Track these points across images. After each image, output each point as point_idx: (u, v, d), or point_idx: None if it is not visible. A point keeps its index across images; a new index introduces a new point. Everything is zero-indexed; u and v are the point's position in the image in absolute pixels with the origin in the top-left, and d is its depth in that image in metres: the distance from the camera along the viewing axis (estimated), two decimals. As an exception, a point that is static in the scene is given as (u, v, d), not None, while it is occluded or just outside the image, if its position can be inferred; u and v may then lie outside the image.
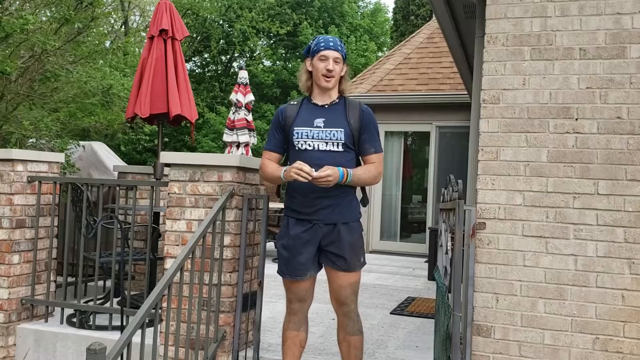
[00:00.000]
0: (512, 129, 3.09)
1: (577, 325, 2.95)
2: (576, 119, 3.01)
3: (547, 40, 3.08)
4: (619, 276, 2.91)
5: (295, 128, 3.12)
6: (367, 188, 3.36)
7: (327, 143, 3.08)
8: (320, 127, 3.10)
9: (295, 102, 3.24)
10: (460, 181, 2.77)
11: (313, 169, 2.94)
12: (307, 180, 2.93)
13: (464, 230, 2.79)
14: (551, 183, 3.02)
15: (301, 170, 2.92)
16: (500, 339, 3.04)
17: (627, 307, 2.90)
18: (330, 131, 3.09)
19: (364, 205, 3.29)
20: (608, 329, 2.92)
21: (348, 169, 3.02)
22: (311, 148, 3.08)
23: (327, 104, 3.16)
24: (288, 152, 3.22)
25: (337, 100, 3.18)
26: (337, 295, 3.13)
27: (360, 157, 3.19)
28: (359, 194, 3.25)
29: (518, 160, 3.07)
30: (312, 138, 3.09)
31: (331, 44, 3.11)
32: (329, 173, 2.92)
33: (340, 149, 3.08)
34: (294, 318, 3.21)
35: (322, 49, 3.10)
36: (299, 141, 3.11)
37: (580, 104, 3.01)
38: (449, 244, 2.96)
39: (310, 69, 3.17)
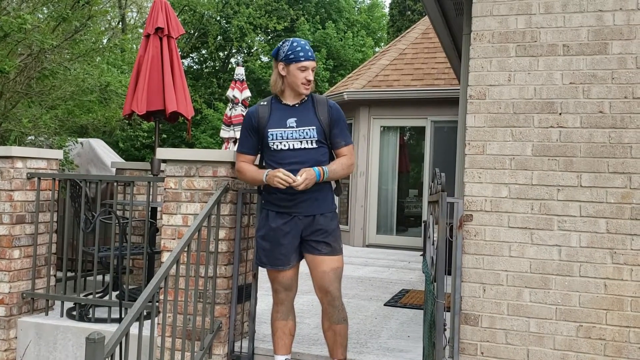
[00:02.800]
0: (498, 123, 3.18)
1: (561, 314, 3.05)
2: (560, 114, 3.10)
3: (532, 37, 3.16)
4: (601, 266, 3.01)
5: (269, 130, 3.25)
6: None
7: (300, 141, 3.24)
8: (293, 127, 3.25)
9: (265, 103, 3.34)
10: (443, 174, 2.86)
11: (296, 177, 3.10)
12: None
13: (447, 222, 2.88)
14: (536, 176, 3.11)
15: (284, 181, 3.09)
16: (488, 327, 3.14)
17: (609, 296, 2.99)
18: (303, 130, 3.25)
19: (338, 195, 3.45)
20: (591, 317, 3.01)
21: (323, 167, 3.20)
22: (286, 148, 3.23)
23: (297, 103, 3.30)
24: (262, 152, 3.36)
25: (305, 98, 3.32)
26: (321, 282, 3.25)
27: (332, 151, 3.35)
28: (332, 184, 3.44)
29: (504, 154, 3.16)
30: (287, 138, 3.24)
31: (309, 54, 3.23)
32: (306, 177, 3.11)
33: (315, 145, 3.25)
34: (281, 308, 3.35)
35: (302, 59, 3.19)
36: (274, 142, 3.24)
37: (563, 99, 3.10)
38: (435, 234, 3.05)
39: (283, 73, 3.24)
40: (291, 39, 3.30)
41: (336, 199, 3.53)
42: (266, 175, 3.18)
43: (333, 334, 3.30)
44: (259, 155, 3.41)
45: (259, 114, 3.29)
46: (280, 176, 3.10)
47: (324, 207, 3.27)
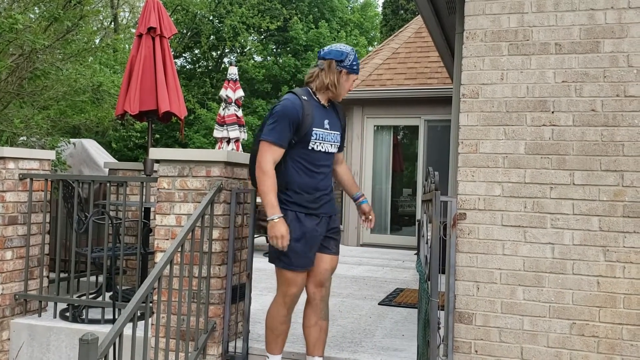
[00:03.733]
0: (490, 122, 3.19)
1: (554, 311, 3.06)
2: (552, 112, 3.11)
3: (524, 36, 3.17)
4: (594, 263, 3.02)
5: (315, 129, 3.16)
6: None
7: (331, 145, 3.28)
8: (327, 129, 3.25)
9: (306, 98, 3.18)
10: (437, 173, 2.87)
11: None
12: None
13: (440, 220, 2.89)
14: (529, 174, 3.12)
15: (281, 246, 3.05)
16: (481, 325, 3.15)
17: (602, 293, 3.01)
18: (334, 134, 3.29)
19: None
20: (584, 315, 3.02)
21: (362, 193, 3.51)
22: (323, 150, 3.24)
23: (326, 105, 3.29)
24: (290, 149, 3.15)
25: (329, 102, 3.34)
26: (319, 278, 3.31)
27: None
28: None
29: (497, 153, 3.17)
30: (325, 140, 3.23)
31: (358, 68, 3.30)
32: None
33: (336, 150, 3.33)
34: (289, 312, 3.33)
35: (357, 72, 3.25)
36: (315, 142, 3.18)
37: (556, 97, 3.11)
38: (429, 233, 3.06)
39: (342, 80, 3.21)
40: (349, 48, 3.25)
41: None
42: (276, 219, 3.00)
43: (319, 330, 3.34)
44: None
45: (304, 109, 3.11)
46: (284, 244, 3.03)
47: (335, 207, 3.40)
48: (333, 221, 3.34)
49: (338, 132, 3.31)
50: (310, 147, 3.16)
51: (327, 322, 3.39)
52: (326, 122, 3.24)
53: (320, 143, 3.20)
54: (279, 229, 3.02)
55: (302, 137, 3.12)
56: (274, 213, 3.03)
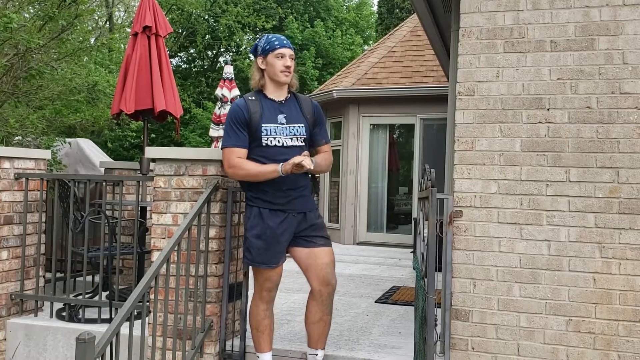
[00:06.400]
0: (486, 119, 3.19)
1: (551, 308, 3.07)
2: (548, 109, 3.12)
3: (520, 33, 3.18)
4: (590, 260, 3.03)
5: (263, 125, 3.25)
6: (317, 177, 3.62)
7: (291, 139, 3.29)
8: (283, 123, 3.29)
9: (253, 98, 3.32)
10: (433, 170, 2.87)
11: (309, 161, 3.12)
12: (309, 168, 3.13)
13: (437, 218, 2.89)
14: (525, 171, 3.13)
15: (304, 162, 3.10)
16: (478, 322, 3.15)
17: (598, 290, 3.02)
18: (293, 127, 3.31)
19: (316, 193, 3.55)
20: (580, 311, 3.03)
21: (312, 157, 3.25)
22: (279, 144, 3.26)
23: (282, 100, 3.34)
24: (250, 146, 3.31)
25: (289, 96, 3.38)
26: (323, 274, 3.31)
27: (313, 148, 3.43)
28: None
29: (493, 150, 3.17)
30: (279, 134, 3.27)
31: (285, 42, 3.29)
32: (311, 159, 3.19)
33: (302, 143, 3.33)
34: (269, 305, 3.40)
35: (277, 47, 3.25)
36: (267, 137, 3.25)
37: (551, 94, 3.12)
38: (425, 230, 3.06)
39: (263, 66, 3.29)
40: (266, 34, 3.39)
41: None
42: (281, 167, 3.16)
43: (324, 324, 3.39)
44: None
45: (250, 108, 3.27)
46: (304, 164, 3.08)
47: (310, 204, 3.40)
48: (310, 217, 3.36)
49: (301, 124, 3.32)
50: (264, 144, 3.25)
51: (330, 316, 3.44)
52: (280, 116, 3.29)
53: (273, 137, 3.25)
54: (290, 163, 3.11)
55: (253, 134, 3.25)
56: (275, 169, 3.17)
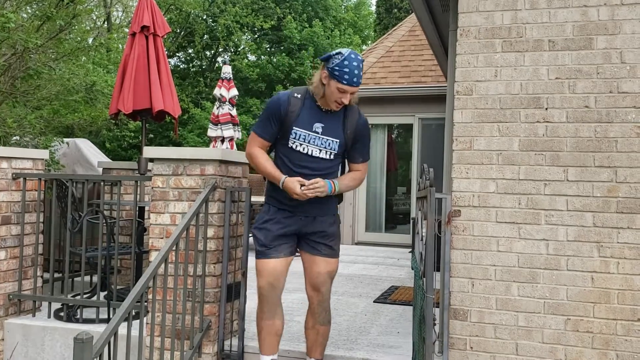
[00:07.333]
0: (485, 119, 3.19)
1: (549, 307, 3.07)
2: (546, 109, 3.12)
3: (518, 33, 3.18)
4: (588, 259, 3.03)
5: (295, 128, 3.13)
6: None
7: (320, 150, 3.16)
8: (318, 133, 3.15)
9: (299, 96, 3.17)
10: (432, 169, 2.87)
11: (312, 185, 3.06)
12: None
13: (435, 217, 2.89)
14: (523, 171, 3.13)
15: (303, 195, 3.05)
16: (476, 322, 3.15)
17: (597, 289, 3.02)
18: (327, 140, 3.16)
19: (338, 203, 3.41)
20: (579, 310, 3.03)
21: (334, 180, 3.16)
22: (305, 152, 3.15)
23: (329, 109, 3.17)
24: (276, 143, 3.24)
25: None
26: (314, 281, 3.26)
27: (347, 161, 3.30)
28: None
29: (491, 150, 3.17)
30: (309, 143, 3.14)
31: (354, 80, 3.03)
32: (318, 188, 3.07)
33: (332, 157, 3.19)
34: (266, 306, 3.27)
35: (344, 82, 3.02)
36: (294, 142, 3.15)
37: (549, 94, 3.12)
38: (424, 230, 3.06)
39: (324, 82, 3.08)
40: (346, 52, 3.06)
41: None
42: (283, 182, 3.10)
43: (316, 333, 3.33)
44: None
45: (289, 105, 3.13)
46: (299, 193, 3.04)
47: (325, 210, 3.26)
48: (320, 223, 3.24)
49: (336, 139, 3.17)
50: (289, 146, 3.16)
51: (326, 327, 3.33)
52: (318, 125, 3.15)
53: (300, 144, 3.14)
54: (291, 187, 3.06)
55: (284, 132, 3.16)
56: (278, 179, 3.12)
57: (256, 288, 3.31)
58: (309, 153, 3.15)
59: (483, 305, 3.14)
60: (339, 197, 3.38)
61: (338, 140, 3.18)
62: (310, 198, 3.09)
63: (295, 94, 3.17)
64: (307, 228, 3.24)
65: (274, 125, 3.16)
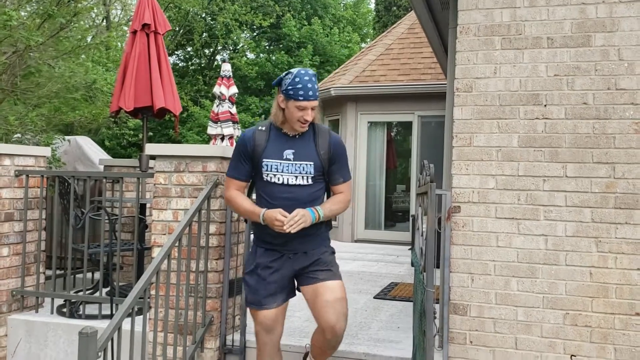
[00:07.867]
0: (484, 115, 3.22)
1: (548, 302, 3.10)
2: (545, 106, 3.15)
3: (517, 30, 3.21)
4: (587, 254, 3.07)
5: (264, 160, 3.01)
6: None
7: (296, 177, 3.00)
8: (290, 159, 3.01)
9: (263, 128, 3.07)
10: (432, 165, 2.90)
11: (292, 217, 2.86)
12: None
13: (436, 212, 2.92)
14: (522, 167, 3.16)
15: (283, 225, 2.85)
16: (476, 316, 3.19)
17: (595, 283, 3.05)
18: (300, 164, 3.01)
19: (328, 230, 3.19)
20: (577, 305, 3.07)
21: (317, 208, 2.98)
22: (280, 182, 2.99)
23: (296, 134, 3.05)
24: (255, 182, 3.12)
25: (307, 129, 3.06)
26: (326, 316, 2.94)
27: (330, 185, 3.13)
28: None
29: (490, 146, 3.21)
30: (282, 172, 3.00)
31: (310, 94, 2.92)
32: (299, 219, 2.86)
33: (310, 182, 3.02)
34: (264, 349, 3.12)
35: (300, 99, 2.91)
36: (267, 174, 3.01)
37: (548, 90, 3.15)
38: (424, 225, 3.09)
39: (282, 106, 2.98)
40: (295, 70, 2.98)
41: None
42: (263, 215, 2.93)
43: (322, 353, 3.14)
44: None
45: (255, 140, 3.03)
46: (282, 220, 2.85)
47: (315, 243, 3.07)
48: (313, 254, 3.04)
49: (309, 162, 3.01)
50: (264, 179, 3.02)
51: (334, 350, 3.11)
52: (288, 151, 3.01)
53: (274, 174, 3.00)
54: (272, 216, 2.88)
55: (256, 167, 3.05)
56: (258, 213, 2.96)
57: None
58: (285, 182, 2.99)
59: (483, 300, 3.18)
60: (327, 225, 3.17)
61: (312, 163, 3.02)
62: (297, 231, 2.89)
63: (260, 127, 3.08)
64: (299, 264, 3.04)
65: (245, 164, 3.06)
